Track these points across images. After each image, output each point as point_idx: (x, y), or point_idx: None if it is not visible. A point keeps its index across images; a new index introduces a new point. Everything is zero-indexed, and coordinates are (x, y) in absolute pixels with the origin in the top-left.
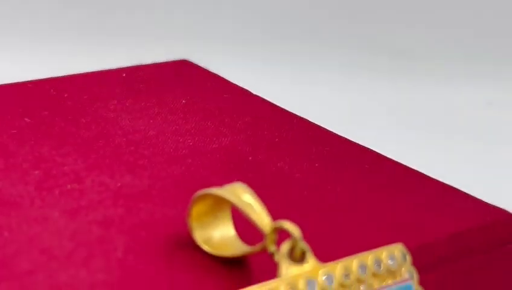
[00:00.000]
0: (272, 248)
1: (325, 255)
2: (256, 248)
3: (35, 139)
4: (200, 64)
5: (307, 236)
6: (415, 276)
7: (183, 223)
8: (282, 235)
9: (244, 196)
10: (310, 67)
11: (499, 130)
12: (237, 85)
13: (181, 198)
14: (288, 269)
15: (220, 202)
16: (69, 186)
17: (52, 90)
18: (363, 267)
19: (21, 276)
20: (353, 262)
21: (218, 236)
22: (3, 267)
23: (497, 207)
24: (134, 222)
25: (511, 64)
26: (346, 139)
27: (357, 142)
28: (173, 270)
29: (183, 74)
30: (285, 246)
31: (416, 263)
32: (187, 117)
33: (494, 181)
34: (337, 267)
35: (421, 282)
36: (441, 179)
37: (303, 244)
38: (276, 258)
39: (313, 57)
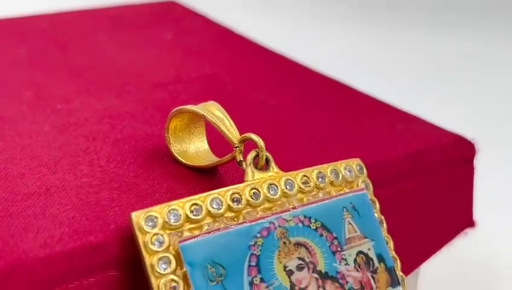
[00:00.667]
0: (239, 157)
1: (288, 167)
2: (226, 158)
3: (29, 67)
4: (188, 5)
5: (273, 150)
6: (370, 187)
7: (161, 138)
8: (249, 148)
9: (216, 112)
10: (298, 11)
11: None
12: (221, 24)
13: (162, 118)
14: (253, 176)
15: (195, 119)
16: (59, 106)
17: (45, 25)
18: (322, 176)
19: (14, 178)
20: (313, 172)
21: (193, 149)
22: None
23: (450, 131)
24: (117, 137)
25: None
26: (318, 73)
27: (330, 76)
28: (151, 178)
29: (170, 14)
30: (250, 155)
31: (373, 178)
32: (172, 51)
33: (459, 114)
34: (298, 175)
35: (377, 195)
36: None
37: (267, 154)
38: (243, 166)
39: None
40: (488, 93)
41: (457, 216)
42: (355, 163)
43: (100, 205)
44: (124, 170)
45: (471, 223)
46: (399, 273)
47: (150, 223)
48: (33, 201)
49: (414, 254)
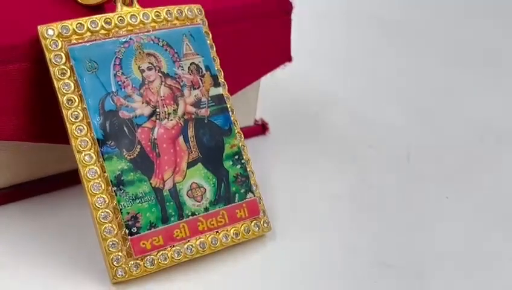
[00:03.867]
0: None
1: (148, 6)
2: None
3: None
4: None
5: None
6: (206, 23)
7: None
8: None
9: None
10: None
11: None
12: None
13: None
14: (121, 9)
15: None
16: None
17: None
18: (169, 13)
19: None
20: (164, 9)
21: None
22: None
23: None
24: None
25: None
26: None
27: None
28: (58, 13)
29: None
30: None
31: (211, 19)
32: None
33: None
34: (153, 11)
35: (214, 32)
36: None
37: None
38: (115, 2)
39: None
40: None
41: (278, 53)
42: (196, 7)
43: (20, 24)
44: (39, 4)
45: (289, 59)
46: (221, 80)
47: (49, 33)
48: None
49: (243, 75)
